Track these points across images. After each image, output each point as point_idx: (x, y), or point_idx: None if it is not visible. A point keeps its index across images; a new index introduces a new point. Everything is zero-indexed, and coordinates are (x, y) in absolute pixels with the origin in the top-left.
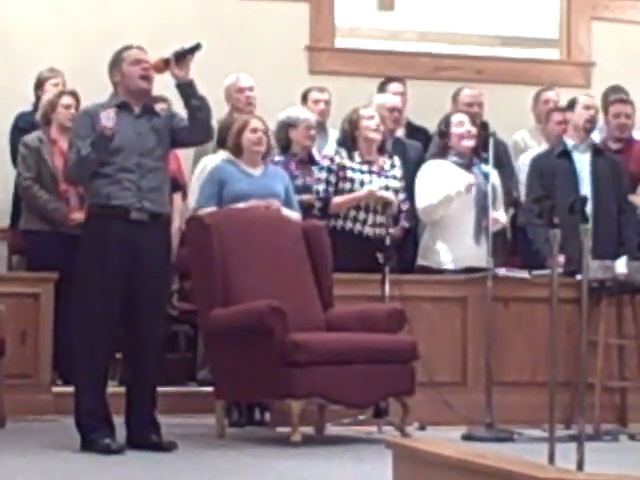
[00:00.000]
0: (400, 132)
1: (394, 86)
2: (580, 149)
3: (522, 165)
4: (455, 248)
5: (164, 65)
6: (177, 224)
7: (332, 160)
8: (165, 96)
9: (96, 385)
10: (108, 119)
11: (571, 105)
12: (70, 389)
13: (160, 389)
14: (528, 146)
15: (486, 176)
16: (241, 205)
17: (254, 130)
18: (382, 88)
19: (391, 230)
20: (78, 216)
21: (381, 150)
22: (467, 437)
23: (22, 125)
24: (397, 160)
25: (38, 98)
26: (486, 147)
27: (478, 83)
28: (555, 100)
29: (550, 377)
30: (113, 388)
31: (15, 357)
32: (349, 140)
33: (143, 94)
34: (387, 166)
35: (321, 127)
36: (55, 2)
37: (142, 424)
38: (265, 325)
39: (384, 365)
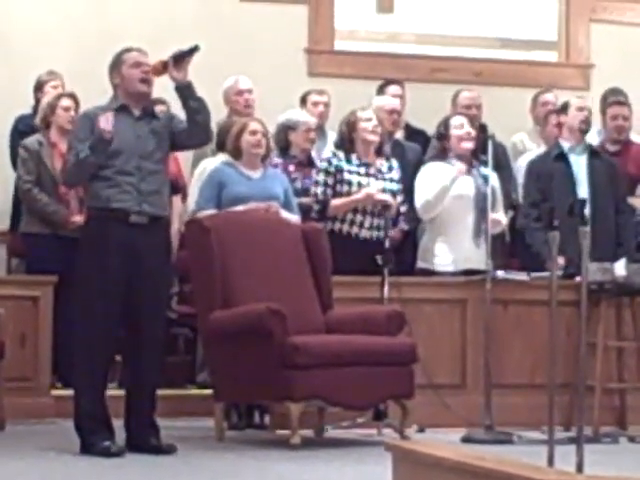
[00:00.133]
0: (399, 134)
1: (393, 88)
2: (576, 151)
3: (521, 167)
4: (454, 250)
5: (163, 68)
6: (176, 226)
7: (330, 162)
8: (164, 98)
9: (96, 388)
10: (107, 122)
11: (564, 108)
12: (69, 392)
13: (159, 392)
14: (527, 148)
15: (485, 178)
16: (240, 208)
17: (253, 132)
18: (381, 90)
19: (389, 233)
20: (78, 219)
21: (379, 152)
22: (466, 439)
23: (22, 128)
24: (395, 162)
25: (38, 101)
26: (485, 149)
27: (477, 85)
28: (553, 102)
29: (549, 379)
30: (113, 391)
31: (14, 360)
32: (347, 142)
33: (143, 97)
34: (385, 168)
35: (320, 130)
36: (55, 2)
37: (141, 427)
38: (264, 328)
39: (383, 367)
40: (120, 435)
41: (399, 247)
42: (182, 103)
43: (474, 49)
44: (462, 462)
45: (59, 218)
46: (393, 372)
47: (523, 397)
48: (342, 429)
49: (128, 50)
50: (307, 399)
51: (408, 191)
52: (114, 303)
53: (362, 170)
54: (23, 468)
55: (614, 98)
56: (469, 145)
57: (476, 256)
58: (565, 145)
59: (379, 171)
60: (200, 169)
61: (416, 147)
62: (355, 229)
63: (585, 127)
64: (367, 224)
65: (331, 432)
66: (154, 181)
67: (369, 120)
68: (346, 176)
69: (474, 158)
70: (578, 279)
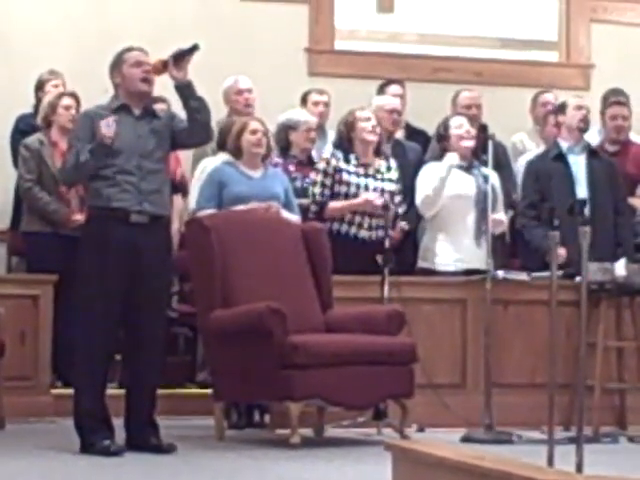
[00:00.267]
0: (399, 134)
1: (393, 88)
2: (575, 151)
3: (521, 167)
4: (455, 250)
5: (163, 67)
6: (176, 225)
7: (328, 163)
8: (164, 97)
9: (95, 387)
10: (108, 127)
11: (562, 108)
12: (69, 391)
13: (159, 391)
14: (527, 148)
15: (486, 178)
16: (241, 207)
17: (254, 131)
18: (381, 90)
19: (390, 232)
20: (79, 218)
21: (377, 152)
22: (466, 439)
23: (23, 127)
24: (393, 162)
25: (39, 100)
26: (485, 149)
27: (477, 85)
28: (553, 102)
29: (549, 379)
30: (112, 390)
31: (14, 359)
32: (345, 142)
33: (144, 96)
34: (383, 168)
35: (320, 129)
36: (55, 2)
37: (141, 426)
38: (264, 327)
39: (383, 367)
40: (120, 434)
41: (399, 247)
42: (182, 102)
43: (475, 49)
44: (462, 462)
45: (60, 217)
46: (393, 372)
47: (523, 397)
48: (342, 428)
49: (129, 49)
50: (307, 398)
51: (408, 191)
52: (114, 302)
53: (361, 170)
54: (23, 467)
55: (614, 98)
56: (469, 144)
57: (477, 256)
58: (564, 145)
59: (378, 171)
60: (200, 168)
61: (416, 147)
62: (354, 229)
63: (584, 126)
64: (366, 224)
65: (331, 431)
66: (154, 180)
67: (368, 120)
68: (344, 177)
69: (475, 158)
70: (578, 279)
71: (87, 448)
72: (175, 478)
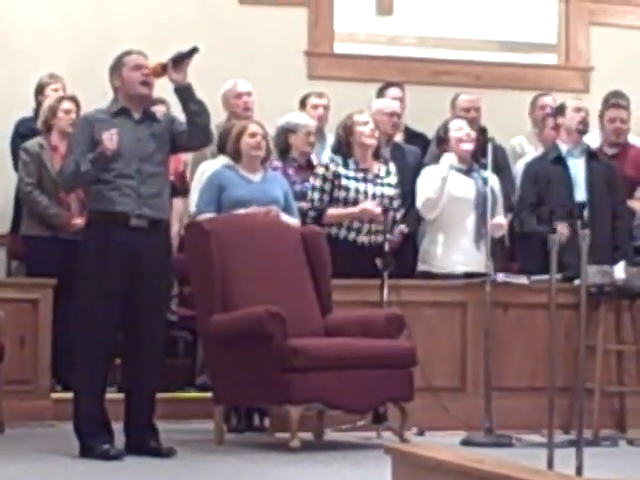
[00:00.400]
0: (398, 137)
1: (393, 91)
2: (574, 154)
3: (520, 170)
4: (455, 253)
5: (162, 70)
6: (176, 228)
7: (327, 168)
8: (163, 98)
9: (95, 391)
10: (110, 142)
11: (560, 110)
12: (69, 395)
13: (159, 395)
14: (525, 151)
15: (485, 181)
16: (241, 211)
17: (253, 135)
18: (381, 93)
19: (389, 236)
20: (79, 222)
21: (376, 155)
22: (466, 442)
23: (23, 131)
24: (392, 166)
25: (39, 104)
26: (485, 152)
27: (477, 88)
28: (552, 105)
29: (549, 382)
30: (112, 394)
31: (14, 363)
32: (344, 146)
33: (143, 100)
34: (382, 173)
35: (319, 133)
36: (55, 2)
37: (141, 430)
38: (264, 330)
39: (383, 370)
40: (119, 438)
41: (399, 250)
42: (182, 105)
43: (474, 52)
44: (461, 465)
45: (60, 221)
46: (393, 375)
47: (523, 400)
48: (341, 432)
49: (128, 53)
50: (307, 402)
51: (408, 194)
52: (114, 306)
53: (360, 175)
54: (22, 471)
55: (613, 101)
56: (468, 147)
57: (477, 259)
58: (563, 147)
59: (377, 176)
60: (200, 171)
61: (416, 150)
62: (353, 234)
63: (583, 128)
64: (365, 229)
65: (330, 435)
66: (154, 184)
67: (366, 124)
68: (344, 182)
69: (474, 161)
70: (577, 282)
71: (86, 452)
72: None
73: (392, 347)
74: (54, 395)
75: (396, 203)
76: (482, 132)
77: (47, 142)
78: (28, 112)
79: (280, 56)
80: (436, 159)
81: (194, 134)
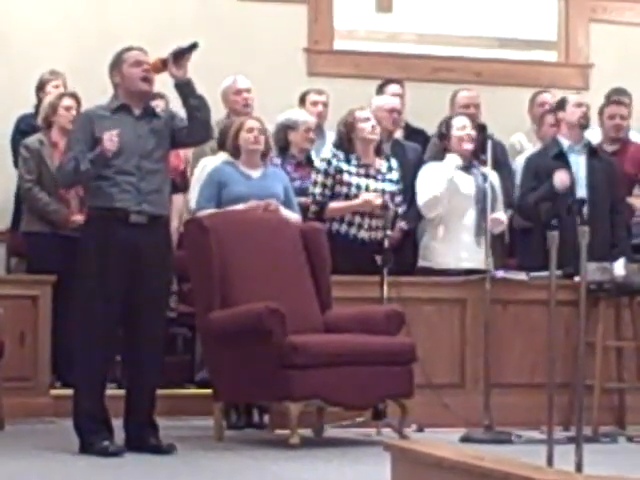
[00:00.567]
0: (398, 134)
1: (392, 88)
2: (576, 150)
3: (519, 167)
4: (455, 249)
5: (162, 65)
6: (175, 224)
7: (329, 163)
8: (162, 93)
9: (95, 387)
10: (111, 143)
11: (561, 105)
12: (69, 391)
13: (158, 391)
14: (524, 148)
15: (485, 178)
16: (240, 206)
17: (250, 129)
18: (380, 90)
19: (389, 232)
20: (78, 218)
21: (378, 152)
22: (465, 439)
23: (23, 128)
24: (394, 162)
25: (40, 101)
26: (484, 149)
27: (476, 85)
28: (551, 103)
29: (548, 379)
30: (112, 390)
31: (14, 359)
32: (345, 142)
33: (144, 96)
34: (384, 169)
35: (319, 129)
36: (55, 2)
37: (141, 426)
38: (263, 327)
39: (382, 367)
40: (119, 435)
41: (399, 247)
42: (182, 100)
43: (474, 49)
44: (461, 462)
45: (59, 217)
46: (392, 372)
47: (522, 397)
48: (341, 428)
49: (128, 49)
50: (306, 399)
51: (408, 190)
52: (114, 302)
53: (361, 171)
54: (22, 467)
55: (613, 97)
56: (469, 147)
57: (477, 255)
58: (564, 143)
59: (378, 172)
60: (200, 167)
61: (416, 147)
62: (354, 230)
63: (585, 122)
64: (366, 225)
65: (330, 431)
66: (154, 180)
67: (367, 120)
68: (345, 177)
69: (474, 158)
70: (577, 279)
71: (86, 449)
72: (174, 479)
73: (392, 344)
74: (54, 392)
75: (398, 199)
76: (481, 129)
77: (47, 139)
78: (28, 111)
79: (280, 53)
80: (437, 155)
81: (194, 129)
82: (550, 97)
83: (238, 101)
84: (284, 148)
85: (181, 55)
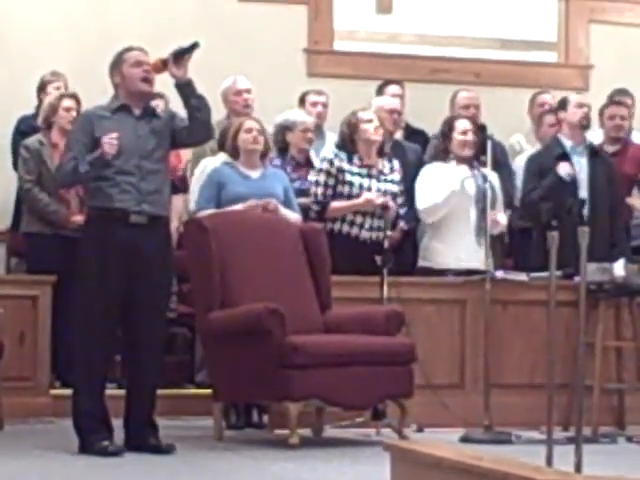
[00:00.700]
0: (398, 134)
1: (392, 88)
2: (578, 152)
3: (518, 167)
4: (456, 249)
5: (163, 65)
6: (175, 224)
7: (331, 163)
8: (162, 93)
9: (95, 387)
10: (111, 147)
11: (562, 105)
12: (68, 391)
13: (158, 391)
14: (524, 149)
15: (485, 179)
16: (239, 205)
17: (249, 130)
18: (380, 91)
19: (389, 233)
20: (78, 219)
21: (380, 153)
22: (465, 439)
23: (23, 128)
24: (397, 164)
25: (41, 101)
26: (484, 150)
27: (476, 86)
28: (551, 103)
29: (548, 379)
30: (112, 390)
31: (13, 359)
32: (348, 143)
33: (144, 96)
34: (386, 169)
35: (318, 130)
36: (55, 2)
37: (140, 426)
38: (263, 327)
39: (382, 367)
40: (119, 434)
41: (399, 247)
42: (183, 100)
43: (474, 50)
44: (461, 462)
45: (59, 218)
46: (392, 372)
47: (522, 397)
48: (341, 429)
49: (129, 49)
50: (306, 399)
51: (408, 191)
52: (114, 303)
53: (363, 171)
54: (22, 467)
55: (615, 98)
56: (469, 153)
57: (477, 255)
58: (567, 144)
59: (380, 172)
60: (201, 168)
61: (416, 147)
62: (355, 230)
63: (586, 123)
64: (367, 225)
65: (330, 432)
66: (154, 181)
67: (370, 121)
68: (347, 177)
69: (474, 159)
70: (577, 279)
71: (86, 448)
72: (174, 478)
73: (391, 344)
74: (53, 391)
75: (400, 200)
76: (481, 129)
77: (47, 139)
78: (28, 112)
79: (280, 54)
80: (437, 154)
81: (195, 129)
82: (550, 98)
83: (238, 102)
84: (283, 149)
85: (181, 55)
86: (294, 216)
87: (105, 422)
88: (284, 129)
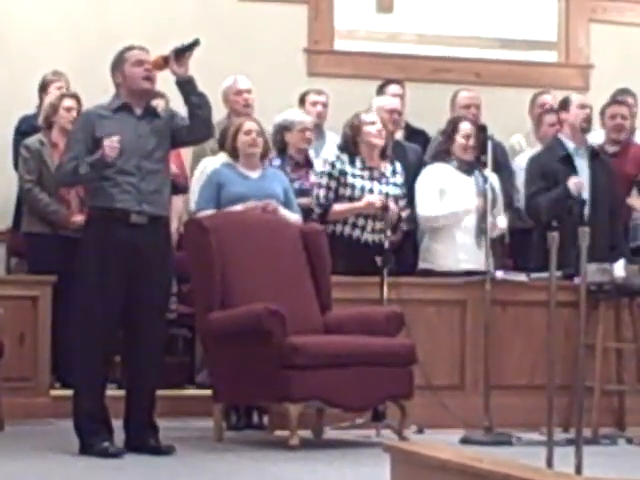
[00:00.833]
0: (399, 134)
1: (393, 88)
2: (579, 154)
3: (517, 168)
4: (456, 251)
5: (164, 63)
6: (175, 225)
7: (333, 166)
8: (162, 92)
9: (95, 388)
10: (112, 150)
11: (564, 106)
12: (68, 392)
13: (158, 392)
14: (524, 149)
15: (486, 180)
16: (238, 206)
17: (248, 132)
18: (381, 90)
19: (389, 234)
20: (79, 219)
21: (383, 155)
22: (465, 440)
23: (25, 128)
24: (399, 166)
25: (42, 101)
26: (484, 150)
27: (476, 85)
28: (551, 104)
29: (548, 380)
30: (112, 391)
31: (13, 360)
32: (351, 145)
33: (146, 94)
34: (389, 172)
35: (318, 130)
36: (55, 2)
37: (140, 427)
38: (263, 328)
39: (382, 368)
40: (119, 435)
41: (399, 248)
42: (183, 98)
43: (474, 49)
44: (461, 463)
45: (60, 218)
46: (392, 373)
47: (522, 398)
48: (341, 430)
49: (129, 48)
50: (306, 400)
51: (409, 192)
52: (114, 303)
53: (366, 174)
54: (21, 468)
55: (617, 97)
56: (471, 157)
57: (478, 257)
58: (569, 145)
59: (383, 175)
60: (200, 168)
61: (416, 147)
62: (357, 232)
63: (587, 126)
64: (369, 228)
65: (330, 433)
66: (154, 181)
67: (373, 124)
68: (350, 179)
69: (475, 160)
70: (577, 280)
71: (86, 449)
72: (174, 479)
73: (392, 345)
74: (53, 392)
75: (402, 203)
76: (482, 129)
77: (48, 139)
78: (29, 112)
79: (280, 53)
80: (438, 155)
81: (196, 127)
82: (551, 98)
83: (238, 101)
84: (283, 149)
85: (183, 53)
86: (294, 217)
87: (105, 423)
88: (282, 129)
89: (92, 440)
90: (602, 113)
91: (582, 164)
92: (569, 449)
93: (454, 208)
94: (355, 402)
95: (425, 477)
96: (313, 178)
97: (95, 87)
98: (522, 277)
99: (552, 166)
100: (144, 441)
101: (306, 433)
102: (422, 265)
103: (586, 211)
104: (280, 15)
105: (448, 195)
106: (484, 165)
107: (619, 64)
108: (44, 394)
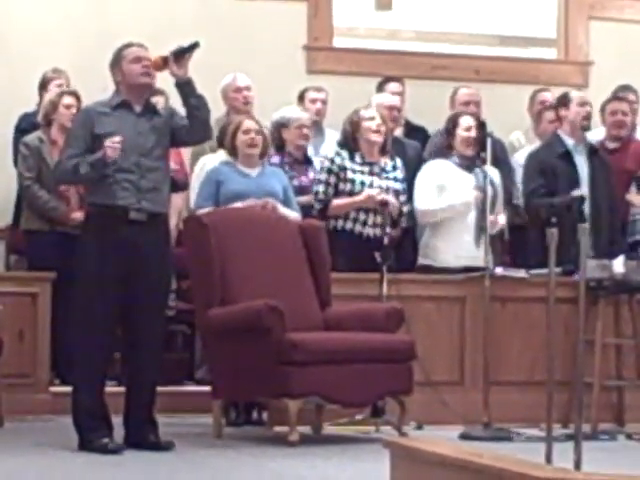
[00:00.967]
0: (398, 131)
1: (392, 85)
2: (579, 150)
3: (516, 164)
4: (456, 247)
5: (163, 63)
6: (174, 222)
7: (333, 161)
8: (162, 89)
9: (94, 384)
10: (113, 151)
11: (564, 102)
12: (68, 389)
13: (158, 389)
14: (523, 146)
15: (486, 176)
16: (238, 204)
17: (247, 131)
18: (380, 88)
19: (388, 230)
20: (78, 216)
21: (383, 151)
22: (464, 436)
23: (25, 126)
24: (399, 161)
25: (42, 99)
26: (484, 146)
27: (476, 82)
28: (551, 101)
29: (548, 376)
30: (112, 388)
31: (13, 356)
32: (350, 141)
33: (145, 89)
34: (389, 167)
35: (317, 127)
36: (55, 2)
37: (140, 423)
38: (263, 324)
39: (382, 364)
40: (119, 432)
41: (399, 244)
42: (182, 99)
43: (473, 46)
44: (460, 459)
45: (59, 215)
46: (391, 369)
47: (521, 394)
48: (340, 426)
49: (128, 45)
50: (305, 396)
51: (408, 188)
52: (113, 300)
53: (366, 169)
54: (21, 465)
55: (618, 94)
56: (472, 152)
57: (477, 253)
58: (568, 142)
59: (383, 170)
60: (200, 166)
61: (416, 144)
62: (357, 227)
63: (587, 124)
64: (370, 222)
65: (329, 429)
66: (153, 178)
67: (372, 119)
68: (349, 175)
69: (476, 156)
70: (576, 276)
71: (85, 446)
72: (173, 476)
73: (391, 341)
74: (53, 389)
75: (402, 198)
76: (481, 126)
77: (47, 136)
78: (29, 110)
79: (279, 51)
80: (439, 150)
81: (194, 129)
82: (550, 96)
83: (238, 99)
84: (281, 147)
85: (182, 54)
86: (293, 215)
87: (105, 419)
88: (280, 126)
89: (91, 436)
90: (602, 109)
91: (581, 161)
92: (568, 445)
93: (452, 201)
94: (354, 398)
95: (425, 473)
96: (312, 175)
97: (95, 87)
98: (521, 273)
99: (551, 162)
100: (144, 437)
101: (305, 429)
102: (422, 261)
103: (585, 208)
104: (279, 13)
105: (448, 191)
106: (484, 162)
107: (618, 61)
108: (43, 390)
